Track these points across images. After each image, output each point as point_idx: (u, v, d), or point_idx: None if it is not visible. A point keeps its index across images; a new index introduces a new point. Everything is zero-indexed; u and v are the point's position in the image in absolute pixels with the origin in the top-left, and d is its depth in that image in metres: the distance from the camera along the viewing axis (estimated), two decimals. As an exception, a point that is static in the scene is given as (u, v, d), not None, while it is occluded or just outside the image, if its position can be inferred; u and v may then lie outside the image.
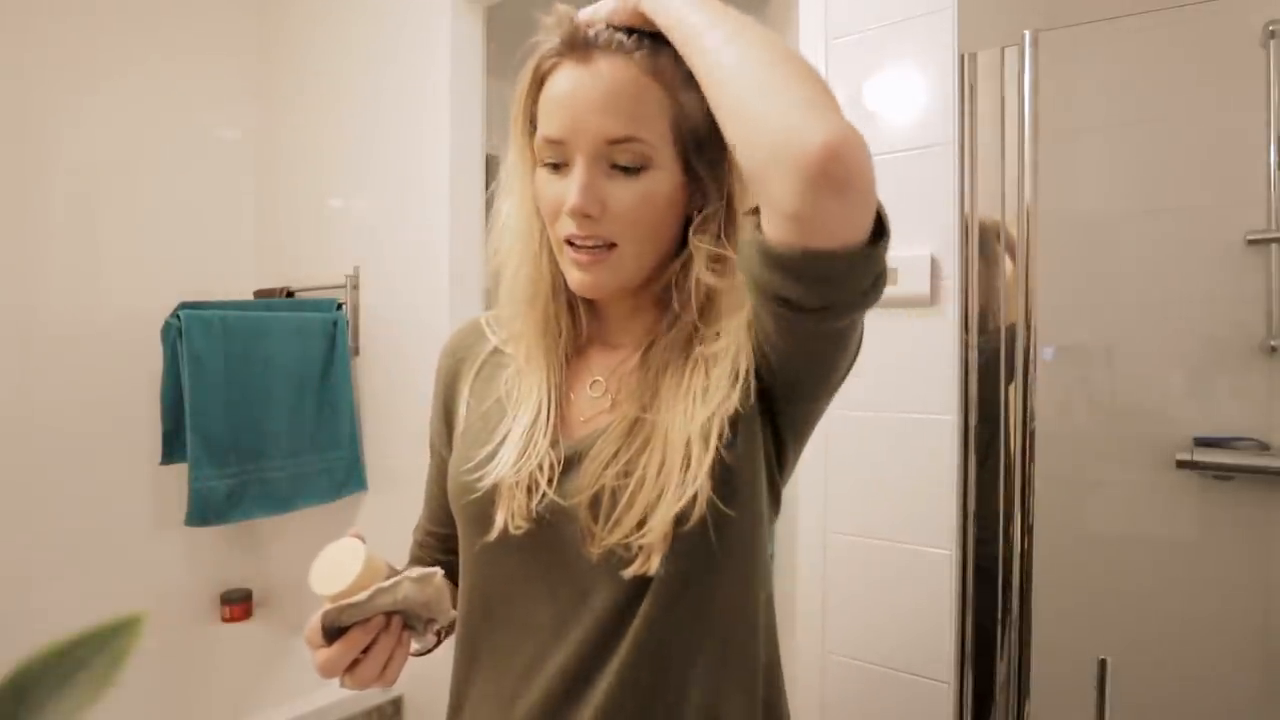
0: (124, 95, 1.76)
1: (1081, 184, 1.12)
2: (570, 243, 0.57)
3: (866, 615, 1.13)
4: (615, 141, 0.55)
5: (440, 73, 1.60)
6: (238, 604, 1.90)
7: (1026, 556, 1.04)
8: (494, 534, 0.58)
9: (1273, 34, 0.96)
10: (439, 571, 0.59)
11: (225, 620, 1.89)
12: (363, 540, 0.57)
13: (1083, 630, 1.07)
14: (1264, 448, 0.96)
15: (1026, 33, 1.04)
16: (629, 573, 0.54)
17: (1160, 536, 1.05)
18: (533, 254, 0.62)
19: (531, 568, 0.59)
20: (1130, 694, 0.96)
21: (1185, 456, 0.98)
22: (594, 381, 0.63)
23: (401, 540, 0.81)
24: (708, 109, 0.52)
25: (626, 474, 0.55)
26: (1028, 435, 1.04)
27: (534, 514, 0.57)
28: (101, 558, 1.71)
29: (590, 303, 0.65)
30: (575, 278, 0.58)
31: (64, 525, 1.66)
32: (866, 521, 1.12)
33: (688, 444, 0.54)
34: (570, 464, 0.58)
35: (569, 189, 0.55)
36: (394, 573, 0.57)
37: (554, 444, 0.59)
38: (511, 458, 0.58)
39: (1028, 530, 1.04)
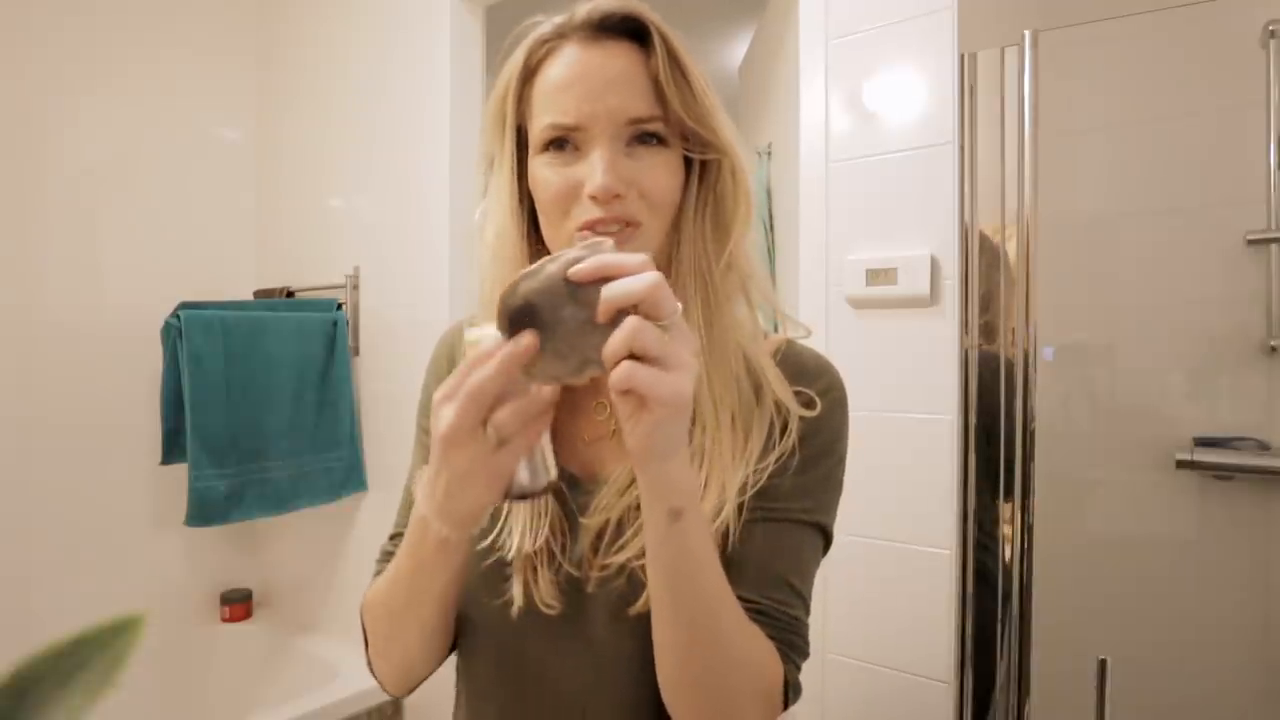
0: (124, 95, 1.76)
1: (1081, 184, 1.12)
2: (589, 229, 0.52)
3: (866, 615, 1.13)
4: (638, 120, 0.52)
5: (440, 73, 1.60)
6: (238, 604, 1.90)
7: (1026, 556, 1.04)
8: (514, 610, 0.56)
9: (1273, 34, 0.96)
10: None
11: (225, 620, 1.89)
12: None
13: (1082, 630, 1.07)
14: (1264, 448, 0.96)
15: (1026, 33, 1.04)
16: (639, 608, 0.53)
17: (1160, 536, 1.05)
18: (509, 256, 0.57)
19: (560, 639, 0.58)
20: (1130, 694, 0.96)
21: (1185, 456, 0.98)
22: (598, 403, 0.61)
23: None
24: (697, 93, 0.53)
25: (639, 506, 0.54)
26: (1028, 435, 1.04)
27: (561, 589, 0.56)
28: (101, 558, 1.71)
29: None
30: None
31: (64, 525, 1.65)
32: (866, 521, 1.11)
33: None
34: (580, 504, 0.58)
35: (588, 171, 0.52)
36: None
37: (557, 491, 0.57)
38: (521, 527, 0.56)
39: (1027, 530, 1.04)
